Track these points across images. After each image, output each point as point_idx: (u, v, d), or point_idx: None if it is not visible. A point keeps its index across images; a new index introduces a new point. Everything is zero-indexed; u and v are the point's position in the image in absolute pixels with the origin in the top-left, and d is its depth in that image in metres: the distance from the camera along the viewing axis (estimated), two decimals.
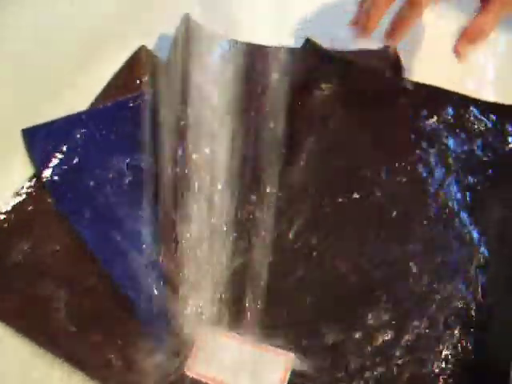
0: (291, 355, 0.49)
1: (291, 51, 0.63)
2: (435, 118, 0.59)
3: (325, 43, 0.62)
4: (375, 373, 0.48)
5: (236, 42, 0.63)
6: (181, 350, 0.49)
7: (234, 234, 0.53)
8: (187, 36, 0.61)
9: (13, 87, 0.54)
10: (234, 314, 0.50)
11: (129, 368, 0.49)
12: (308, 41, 0.63)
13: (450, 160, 0.57)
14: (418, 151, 0.58)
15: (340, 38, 0.63)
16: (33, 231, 0.53)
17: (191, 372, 0.48)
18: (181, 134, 0.56)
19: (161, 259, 0.52)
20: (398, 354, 0.49)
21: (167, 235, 0.53)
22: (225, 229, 0.53)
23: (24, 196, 0.54)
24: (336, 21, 0.64)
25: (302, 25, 0.66)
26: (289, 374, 0.48)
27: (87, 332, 0.50)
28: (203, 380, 0.48)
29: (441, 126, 0.59)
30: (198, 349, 0.49)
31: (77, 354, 0.49)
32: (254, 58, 0.62)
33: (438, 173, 0.57)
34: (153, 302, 0.50)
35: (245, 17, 0.63)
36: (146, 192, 0.54)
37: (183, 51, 0.60)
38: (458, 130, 0.59)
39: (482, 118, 0.59)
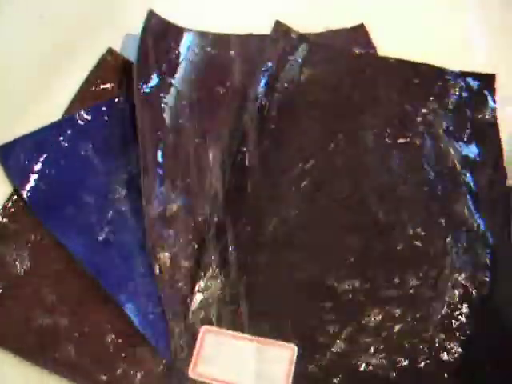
0: (294, 347, 0.49)
1: (260, 38, 0.62)
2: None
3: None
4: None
5: (202, 33, 0.62)
6: (183, 351, 0.48)
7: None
8: (154, 31, 0.60)
9: None
10: (234, 312, 0.50)
11: (133, 369, 0.49)
12: (278, 23, 0.62)
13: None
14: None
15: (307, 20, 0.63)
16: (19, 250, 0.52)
17: (194, 373, 0.48)
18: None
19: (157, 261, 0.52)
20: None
21: (159, 235, 0.52)
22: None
23: (6, 214, 0.53)
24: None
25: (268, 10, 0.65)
26: (293, 366, 0.48)
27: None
28: (206, 381, 0.48)
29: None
30: (201, 349, 0.49)
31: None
32: (222, 47, 0.62)
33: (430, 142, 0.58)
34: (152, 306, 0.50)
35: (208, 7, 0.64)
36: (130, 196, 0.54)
37: (153, 47, 0.59)
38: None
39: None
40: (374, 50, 0.63)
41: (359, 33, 0.64)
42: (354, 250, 0.53)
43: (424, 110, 0.59)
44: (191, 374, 0.48)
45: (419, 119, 0.59)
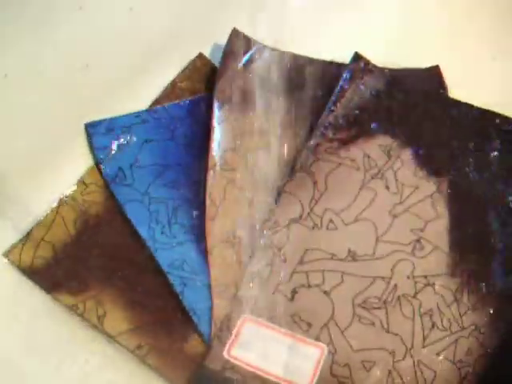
0: (325, 348, 0.52)
1: (339, 65, 0.66)
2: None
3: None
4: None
5: (283, 53, 0.66)
6: (222, 334, 0.53)
7: None
8: (234, 49, 0.65)
9: (79, 85, 0.58)
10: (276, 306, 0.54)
11: (173, 348, 0.53)
12: (356, 54, 0.65)
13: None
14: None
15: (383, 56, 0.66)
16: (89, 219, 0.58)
17: (230, 356, 0.52)
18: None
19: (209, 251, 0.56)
20: None
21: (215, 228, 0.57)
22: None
23: (84, 185, 0.59)
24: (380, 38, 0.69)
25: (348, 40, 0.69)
26: (321, 366, 0.52)
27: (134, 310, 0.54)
28: (239, 364, 0.52)
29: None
30: (239, 335, 0.53)
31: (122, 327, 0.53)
32: (302, 69, 0.65)
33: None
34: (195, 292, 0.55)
35: (293, 30, 0.67)
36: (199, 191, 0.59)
37: (231, 62, 0.64)
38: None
39: None
40: (445, 92, 0.66)
41: (433, 73, 0.67)
42: None
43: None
44: (225, 354, 0.52)
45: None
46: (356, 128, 0.62)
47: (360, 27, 0.69)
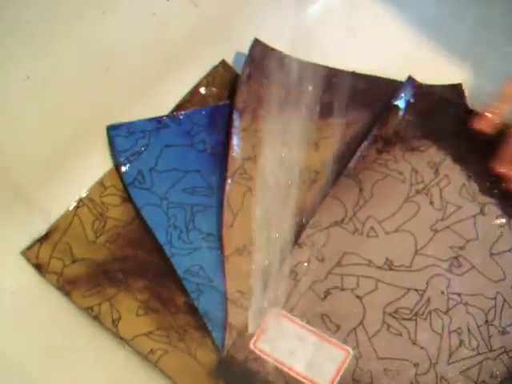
0: (351, 352, 0.53)
1: (363, 77, 0.66)
2: None
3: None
4: None
5: (307, 63, 0.65)
6: (250, 326, 0.53)
7: None
8: (256, 58, 0.65)
9: (101, 88, 0.58)
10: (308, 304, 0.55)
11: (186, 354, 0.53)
12: (409, 77, 0.65)
13: None
14: None
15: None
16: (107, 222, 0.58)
17: (255, 347, 0.53)
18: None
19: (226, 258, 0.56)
20: None
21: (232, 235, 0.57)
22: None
23: (102, 187, 0.59)
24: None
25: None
26: (344, 369, 0.52)
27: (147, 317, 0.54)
28: (265, 357, 0.53)
29: None
30: (267, 328, 0.53)
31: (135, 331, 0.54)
32: (323, 80, 0.66)
33: None
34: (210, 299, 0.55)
35: (315, 41, 0.66)
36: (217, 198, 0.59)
37: (252, 71, 0.65)
38: None
39: None
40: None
41: (455, 91, 0.67)
42: None
43: None
44: (252, 346, 0.53)
45: None
46: (406, 143, 0.62)
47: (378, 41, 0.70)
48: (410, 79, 0.65)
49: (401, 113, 0.63)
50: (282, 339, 0.53)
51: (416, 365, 0.52)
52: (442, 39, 0.70)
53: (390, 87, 0.65)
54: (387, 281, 0.56)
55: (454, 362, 0.53)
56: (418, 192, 0.60)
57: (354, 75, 0.66)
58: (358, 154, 0.61)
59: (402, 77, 0.65)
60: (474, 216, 0.59)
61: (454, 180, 0.60)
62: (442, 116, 0.64)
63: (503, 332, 0.54)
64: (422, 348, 0.53)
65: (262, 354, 0.53)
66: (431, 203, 0.59)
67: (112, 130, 0.61)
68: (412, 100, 0.64)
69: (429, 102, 0.64)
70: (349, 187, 0.60)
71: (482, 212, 0.59)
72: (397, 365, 0.53)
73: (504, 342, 0.54)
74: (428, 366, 0.52)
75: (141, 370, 0.53)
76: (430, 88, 0.65)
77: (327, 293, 0.55)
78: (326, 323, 0.54)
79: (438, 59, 0.69)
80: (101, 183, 0.59)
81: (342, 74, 0.66)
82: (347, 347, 0.53)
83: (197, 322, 0.54)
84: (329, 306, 0.55)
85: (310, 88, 0.64)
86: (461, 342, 0.53)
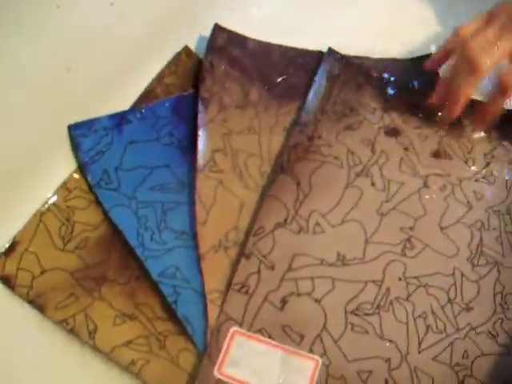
0: (319, 360, 0.51)
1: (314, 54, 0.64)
2: None
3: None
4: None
5: (269, 44, 0.64)
6: (211, 350, 0.50)
7: None
8: (217, 45, 0.63)
9: (61, 86, 0.55)
10: (266, 317, 0.52)
11: (168, 362, 0.51)
12: (330, 50, 0.64)
13: None
14: None
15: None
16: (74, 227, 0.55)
17: (221, 374, 0.50)
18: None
19: (202, 256, 0.54)
20: None
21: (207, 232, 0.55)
22: None
23: (66, 190, 0.56)
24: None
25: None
26: (316, 379, 0.50)
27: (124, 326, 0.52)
28: (231, 382, 0.50)
29: None
30: (228, 350, 0.50)
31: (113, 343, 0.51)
32: (289, 61, 0.63)
33: None
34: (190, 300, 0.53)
35: (274, 22, 0.65)
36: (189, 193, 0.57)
37: (215, 58, 0.62)
38: None
39: None
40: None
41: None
42: None
43: None
44: (216, 373, 0.50)
45: None
46: (336, 123, 0.60)
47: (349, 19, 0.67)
48: (331, 51, 0.63)
49: (323, 89, 0.61)
50: (246, 360, 0.50)
51: (387, 360, 0.51)
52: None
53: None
54: (343, 277, 0.53)
55: (424, 350, 0.52)
56: (357, 175, 0.58)
57: (320, 55, 0.64)
58: (290, 143, 0.58)
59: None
60: (418, 191, 0.58)
61: (391, 155, 0.59)
62: (367, 88, 0.62)
63: (467, 308, 0.54)
64: (390, 341, 0.52)
65: (228, 380, 0.49)
66: (373, 184, 0.58)
67: (74, 130, 0.56)
68: (335, 73, 0.62)
69: (352, 74, 0.63)
70: (286, 184, 0.57)
71: (425, 185, 0.58)
72: (369, 364, 0.51)
73: (469, 319, 0.53)
74: (400, 359, 0.52)
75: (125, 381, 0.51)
76: (352, 59, 0.64)
77: (284, 302, 0.52)
78: (288, 334, 0.51)
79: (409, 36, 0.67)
80: (65, 186, 0.55)
81: (308, 55, 0.64)
82: (315, 356, 0.51)
83: (177, 326, 0.51)
84: (288, 316, 0.52)
85: (276, 70, 0.62)
86: (428, 327, 0.53)
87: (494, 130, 0.61)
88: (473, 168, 0.60)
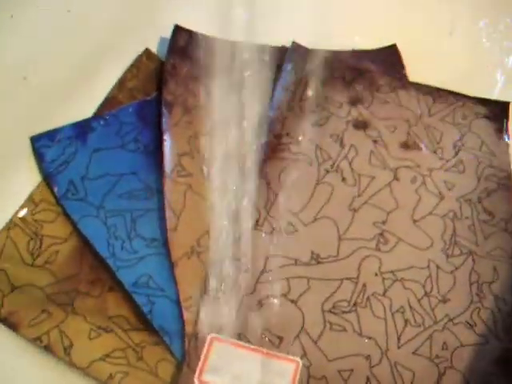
0: (299, 362, 0.50)
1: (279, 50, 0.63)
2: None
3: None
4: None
5: (234, 43, 0.63)
6: (190, 358, 0.50)
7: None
8: (178, 46, 0.61)
9: (20, 97, 0.54)
10: (243, 322, 0.52)
11: (147, 374, 0.50)
12: (294, 43, 0.63)
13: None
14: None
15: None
16: (43, 241, 0.54)
17: (199, 380, 0.49)
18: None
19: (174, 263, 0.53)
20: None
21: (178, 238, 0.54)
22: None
23: (32, 204, 0.55)
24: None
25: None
26: (297, 379, 0.50)
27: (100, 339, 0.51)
28: None
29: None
30: (208, 357, 0.50)
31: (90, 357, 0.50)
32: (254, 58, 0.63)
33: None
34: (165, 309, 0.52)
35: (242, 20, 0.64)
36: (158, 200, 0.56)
37: (177, 60, 0.61)
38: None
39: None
40: (404, 71, 0.64)
41: (390, 52, 0.65)
42: None
43: None
44: (196, 381, 0.49)
45: None
46: (304, 120, 0.60)
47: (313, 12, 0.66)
48: (295, 45, 0.63)
49: (289, 85, 0.61)
50: (226, 366, 0.49)
51: (368, 357, 0.51)
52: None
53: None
54: (318, 276, 0.53)
55: (404, 344, 0.52)
56: (327, 171, 0.57)
57: (284, 50, 0.63)
58: (259, 141, 0.58)
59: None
60: (389, 184, 0.58)
61: (360, 148, 0.59)
62: (333, 82, 0.62)
63: (444, 300, 0.54)
64: (369, 338, 0.52)
65: None
66: (343, 180, 0.57)
67: (36, 141, 0.55)
68: (300, 68, 0.62)
69: (317, 68, 0.62)
70: (257, 185, 0.56)
71: (395, 177, 0.58)
72: (349, 363, 0.51)
73: (447, 310, 0.53)
74: (380, 355, 0.52)
75: None
76: (317, 53, 0.63)
77: (260, 305, 0.52)
78: (267, 338, 0.51)
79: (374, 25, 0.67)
80: (31, 199, 0.54)
81: (272, 51, 0.63)
82: (295, 358, 0.50)
83: (154, 336, 0.51)
84: (265, 319, 0.51)
85: (241, 68, 0.61)
86: (406, 322, 0.53)
87: (463, 117, 0.61)
88: (442, 157, 0.59)
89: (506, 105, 0.62)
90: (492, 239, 0.56)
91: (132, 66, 0.61)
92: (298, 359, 0.50)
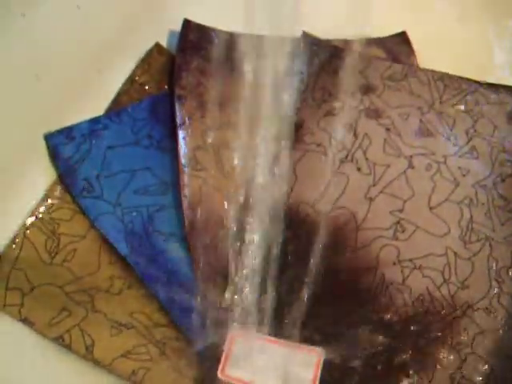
0: (321, 351, 0.51)
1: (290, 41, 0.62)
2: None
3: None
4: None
5: (240, 34, 0.62)
6: (213, 352, 0.50)
7: None
8: (189, 40, 0.61)
9: (33, 96, 0.53)
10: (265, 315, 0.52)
11: (170, 368, 0.51)
12: (304, 33, 0.63)
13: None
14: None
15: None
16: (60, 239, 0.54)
17: (225, 376, 0.50)
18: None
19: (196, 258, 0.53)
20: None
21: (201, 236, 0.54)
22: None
23: (48, 202, 0.55)
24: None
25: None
26: (320, 370, 0.50)
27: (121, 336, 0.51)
28: (234, 382, 0.50)
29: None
30: (230, 351, 0.50)
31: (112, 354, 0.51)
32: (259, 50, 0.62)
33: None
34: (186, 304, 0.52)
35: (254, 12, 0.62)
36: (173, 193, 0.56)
37: (188, 54, 0.61)
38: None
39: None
40: (414, 59, 0.64)
41: (400, 40, 0.65)
42: None
43: None
44: (220, 375, 0.50)
45: None
46: (316, 110, 0.60)
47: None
48: (305, 35, 0.63)
49: (301, 75, 0.61)
50: (248, 360, 0.50)
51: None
52: None
53: None
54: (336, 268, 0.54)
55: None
56: (342, 161, 0.58)
57: (294, 40, 0.63)
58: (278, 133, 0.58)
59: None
60: (404, 172, 0.58)
61: (374, 137, 0.59)
62: (344, 71, 0.61)
63: (463, 287, 0.54)
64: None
65: (233, 381, 0.50)
66: (359, 169, 0.57)
67: (50, 139, 0.55)
68: (311, 58, 0.62)
69: (328, 58, 0.62)
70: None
71: (410, 165, 0.58)
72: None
73: (466, 297, 0.54)
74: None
75: None
76: (327, 42, 0.63)
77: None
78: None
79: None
80: (47, 198, 0.54)
81: (282, 41, 0.63)
82: (317, 348, 0.51)
83: (175, 332, 0.51)
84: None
85: (251, 61, 0.61)
86: (426, 310, 0.53)
87: (475, 103, 0.61)
88: (456, 144, 0.59)
89: None
90: (508, 225, 0.56)
91: (143, 60, 0.61)
92: (320, 349, 0.51)
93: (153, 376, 0.50)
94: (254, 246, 0.54)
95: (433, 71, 0.62)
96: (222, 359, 0.50)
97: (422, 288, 0.54)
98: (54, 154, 0.56)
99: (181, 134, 0.57)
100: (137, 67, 0.61)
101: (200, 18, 0.62)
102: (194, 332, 0.51)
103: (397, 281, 0.54)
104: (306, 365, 0.50)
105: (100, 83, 0.59)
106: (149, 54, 0.61)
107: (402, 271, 0.54)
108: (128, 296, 0.53)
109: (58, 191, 0.55)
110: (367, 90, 0.61)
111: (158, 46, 0.62)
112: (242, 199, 0.56)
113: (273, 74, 0.60)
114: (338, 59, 0.62)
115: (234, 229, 0.55)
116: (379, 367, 0.51)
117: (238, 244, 0.54)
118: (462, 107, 0.61)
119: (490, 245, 0.56)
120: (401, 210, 0.56)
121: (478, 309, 0.53)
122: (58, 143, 0.56)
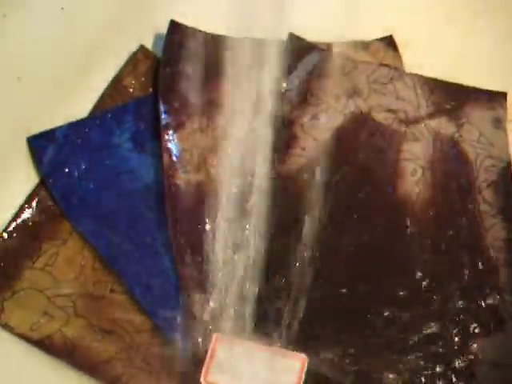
0: (305, 357, 0.50)
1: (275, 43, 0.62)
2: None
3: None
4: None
5: (226, 37, 0.62)
6: (197, 358, 0.50)
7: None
8: (174, 42, 0.60)
9: (15, 98, 0.53)
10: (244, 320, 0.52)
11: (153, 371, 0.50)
12: (291, 35, 0.63)
13: None
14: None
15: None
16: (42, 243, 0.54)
17: (206, 380, 0.49)
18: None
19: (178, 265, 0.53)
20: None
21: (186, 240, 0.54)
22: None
23: (30, 205, 0.54)
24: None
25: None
26: (304, 375, 0.50)
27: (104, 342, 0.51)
28: None
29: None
30: (213, 357, 0.50)
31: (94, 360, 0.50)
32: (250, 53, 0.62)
33: None
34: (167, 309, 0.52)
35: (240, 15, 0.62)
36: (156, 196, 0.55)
37: (173, 56, 0.60)
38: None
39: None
40: (400, 62, 0.64)
41: (387, 43, 0.65)
42: None
43: None
44: (203, 380, 0.49)
45: None
46: (301, 112, 0.60)
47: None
48: (292, 37, 0.62)
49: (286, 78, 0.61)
50: (232, 365, 0.50)
51: None
52: None
53: None
54: None
55: None
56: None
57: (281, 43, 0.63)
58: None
59: None
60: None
61: (359, 142, 0.59)
62: (329, 74, 0.62)
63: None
64: None
65: None
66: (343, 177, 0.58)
67: (33, 141, 0.55)
68: (297, 60, 0.62)
69: (314, 60, 0.62)
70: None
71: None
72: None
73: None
74: None
75: None
76: (313, 45, 0.63)
77: None
78: None
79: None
80: (29, 201, 0.54)
81: (268, 44, 0.62)
82: (300, 354, 0.50)
83: (158, 337, 0.51)
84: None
85: (238, 63, 0.60)
86: None
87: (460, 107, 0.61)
88: (442, 149, 0.60)
89: (503, 94, 0.62)
90: (493, 230, 0.56)
91: (127, 63, 0.61)
92: (304, 356, 0.51)
93: (136, 382, 0.50)
94: (240, 250, 0.54)
95: (419, 75, 0.62)
96: (205, 365, 0.50)
97: None
98: (36, 157, 0.56)
99: (165, 136, 0.56)
100: (121, 69, 0.60)
101: (186, 19, 0.61)
102: (176, 338, 0.51)
103: None
104: (290, 371, 0.50)
105: (84, 85, 0.58)
106: (134, 57, 0.61)
107: None
108: (111, 301, 0.52)
109: (40, 194, 0.55)
110: (353, 93, 0.61)
111: (142, 48, 0.61)
112: (226, 201, 0.55)
113: (258, 76, 0.60)
114: (324, 62, 0.62)
115: (219, 232, 0.54)
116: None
117: (223, 247, 0.54)
118: (448, 112, 0.61)
119: None
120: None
121: None
122: (40, 146, 0.56)
